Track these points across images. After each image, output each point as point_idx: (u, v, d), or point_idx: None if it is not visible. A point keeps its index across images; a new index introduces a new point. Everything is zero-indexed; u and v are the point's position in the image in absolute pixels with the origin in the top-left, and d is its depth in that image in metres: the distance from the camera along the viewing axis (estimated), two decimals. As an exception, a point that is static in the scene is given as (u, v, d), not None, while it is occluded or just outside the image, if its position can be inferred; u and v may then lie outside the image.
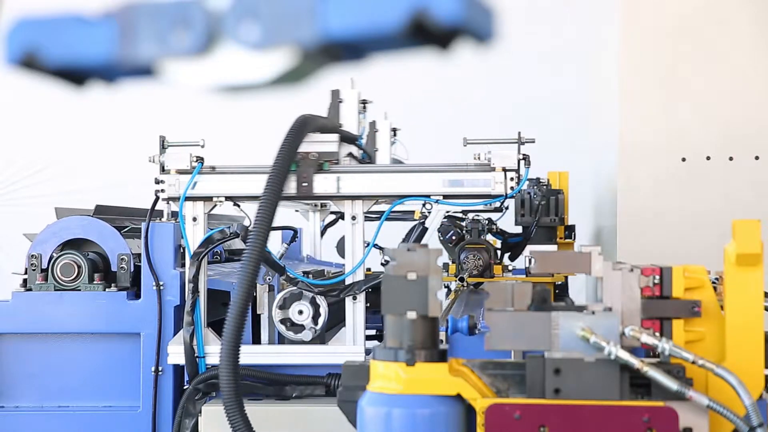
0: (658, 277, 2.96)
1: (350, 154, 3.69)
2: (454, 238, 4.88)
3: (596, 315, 2.73)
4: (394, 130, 4.98)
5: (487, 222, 4.97)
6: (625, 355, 2.65)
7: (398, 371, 2.74)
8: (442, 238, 4.97)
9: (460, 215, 5.17)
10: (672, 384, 2.66)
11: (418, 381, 2.74)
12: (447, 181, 3.48)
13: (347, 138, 3.68)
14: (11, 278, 3.81)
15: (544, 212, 5.08)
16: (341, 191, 3.53)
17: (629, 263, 3.04)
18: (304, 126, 3.32)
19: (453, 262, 5.03)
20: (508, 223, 5.31)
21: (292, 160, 3.26)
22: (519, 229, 5.16)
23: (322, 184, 3.48)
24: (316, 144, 3.47)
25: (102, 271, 3.66)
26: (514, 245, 5.25)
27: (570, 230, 5.36)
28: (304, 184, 3.45)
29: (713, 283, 3.07)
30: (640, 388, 2.79)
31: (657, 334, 2.79)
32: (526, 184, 4.54)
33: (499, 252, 5.17)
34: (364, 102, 3.85)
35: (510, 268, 5.15)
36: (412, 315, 2.73)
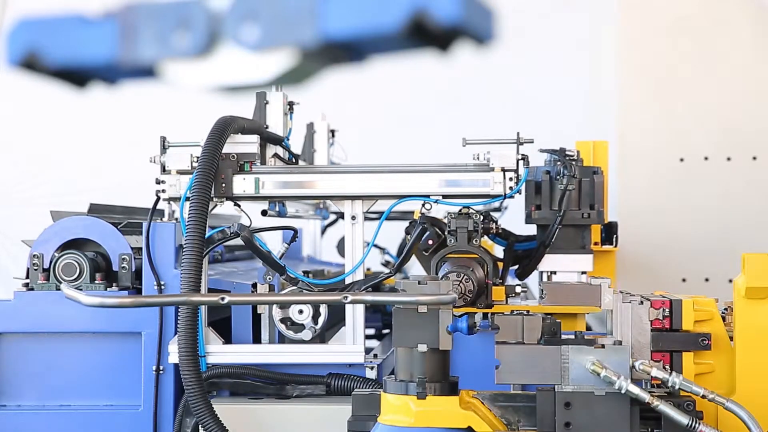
0: (667, 309, 2.96)
1: (276, 155, 3.71)
2: (431, 242, 3.44)
3: (606, 349, 2.74)
4: (333, 131, 5.00)
5: (482, 219, 3.44)
6: (636, 390, 2.66)
7: (409, 404, 2.75)
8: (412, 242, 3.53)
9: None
10: (683, 418, 2.66)
11: (429, 414, 2.75)
12: (446, 181, 3.48)
13: (272, 139, 3.69)
14: (13, 279, 3.81)
15: (572, 203, 3.49)
16: (341, 191, 3.54)
17: (638, 295, 3.04)
18: (225, 127, 3.35)
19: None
20: (514, 221, 4.01)
21: (215, 162, 3.30)
22: (532, 229, 3.64)
23: (241, 184, 3.49)
24: (236, 145, 3.49)
25: (103, 270, 3.67)
26: (524, 254, 3.63)
27: (611, 231, 3.88)
28: (223, 185, 3.47)
29: (722, 313, 3.06)
30: (650, 421, 2.80)
31: (667, 367, 2.80)
32: (545, 159, 3.62)
33: (500, 264, 3.64)
34: (291, 104, 3.86)
35: (518, 290, 3.48)
36: (422, 348, 2.74)
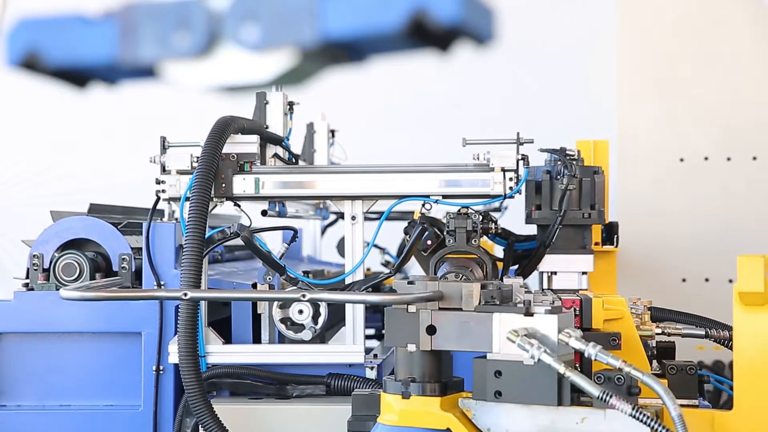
0: (578, 308, 2.90)
1: (276, 155, 3.71)
2: (429, 242, 3.43)
3: (535, 317, 2.61)
4: (333, 131, 4.99)
5: (481, 219, 3.42)
6: (548, 359, 2.53)
7: (392, 403, 2.73)
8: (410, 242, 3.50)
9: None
10: (594, 390, 2.53)
11: (410, 413, 2.71)
12: (446, 181, 3.48)
13: (272, 139, 3.69)
14: (13, 279, 3.81)
15: (572, 203, 3.44)
16: (341, 191, 3.54)
17: (551, 294, 2.95)
18: (225, 127, 3.35)
19: None
20: (514, 221, 4.01)
21: (215, 162, 3.30)
22: (532, 229, 3.61)
23: (241, 185, 3.49)
24: (236, 145, 3.49)
25: (103, 270, 3.67)
26: (524, 254, 3.60)
27: (611, 231, 3.83)
28: (223, 185, 3.47)
29: (636, 313, 3.00)
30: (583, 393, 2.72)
31: (583, 339, 2.70)
32: (545, 159, 3.58)
33: (500, 264, 3.60)
34: (291, 104, 3.86)
35: None
36: (411, 347, 2.71)
